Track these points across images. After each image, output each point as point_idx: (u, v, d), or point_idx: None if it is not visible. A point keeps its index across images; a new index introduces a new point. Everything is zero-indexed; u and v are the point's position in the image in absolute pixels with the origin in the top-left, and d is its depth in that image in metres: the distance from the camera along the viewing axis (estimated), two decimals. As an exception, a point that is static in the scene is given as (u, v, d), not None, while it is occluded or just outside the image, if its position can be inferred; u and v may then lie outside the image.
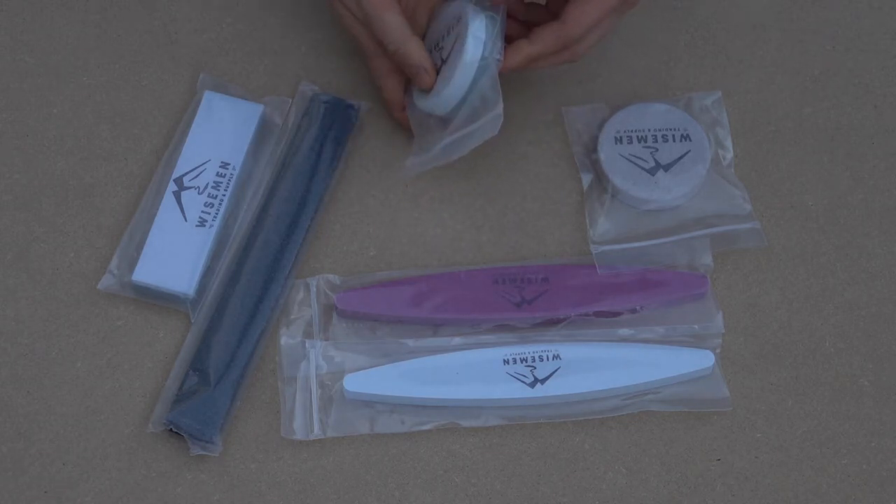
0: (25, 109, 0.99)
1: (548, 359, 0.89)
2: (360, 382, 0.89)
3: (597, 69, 1.00)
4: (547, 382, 0.89)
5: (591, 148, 0.97)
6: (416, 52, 0.89)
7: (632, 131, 0.96)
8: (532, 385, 0.88)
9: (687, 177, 0.94)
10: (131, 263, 0.92)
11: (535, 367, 0.89)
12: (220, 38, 1.01)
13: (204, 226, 0.93)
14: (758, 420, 0.90)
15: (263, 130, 0.97)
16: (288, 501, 0.87)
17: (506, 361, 0.89)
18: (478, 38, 0.88)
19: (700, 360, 0.90)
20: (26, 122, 0.98)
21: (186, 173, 0.94)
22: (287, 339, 0.91)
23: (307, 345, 0.90)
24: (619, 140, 0.96)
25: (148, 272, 0.91)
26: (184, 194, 0.93)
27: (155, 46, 1.01)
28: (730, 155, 0.97)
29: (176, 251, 0.92)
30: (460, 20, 0.89)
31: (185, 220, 0.93)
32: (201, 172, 0.94)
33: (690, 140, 0.96)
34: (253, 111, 0.96)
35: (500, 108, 0.87)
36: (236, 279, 0.91)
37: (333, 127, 0.96)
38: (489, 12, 0.89)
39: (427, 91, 0.91)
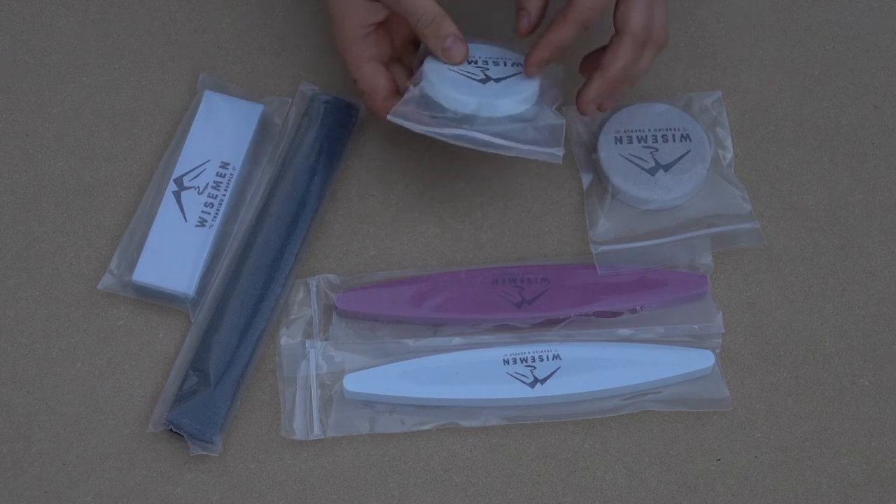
0: (25, 109, 0.99)
1: (548, 359, 0.89)
2: (360, 382, 0.89)
3: (597, 69, 1.00)
4: (547, 382, 0.89)
5: (591, 148, 0.97)
6: (450, 22, 0.88)
7: (632, 131, 0.96)
8: (532, 385, 0.88)
9: (687, 177, 0.94)
10: (131, 263, 0.92)
11: (535, 367, 0.89)
12: (220, 38, 1.01)
13: (204, 226, 0.93)
14: (758, 420, 0.90)
15: (263, 130, 0.97)
16: (288, 501, 0.87)
17: (506, 361, 0.89)
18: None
19: (700, 360, 0.90)
20: (26, 122, 0.98)
21: (186, 173, 0.94)
22: (287, 339, 0.91)
23: (307, 345, 0.90)
24: (619, 140, 0.96)
25: (148, 272, 0.91)
26: (184, 194, 0.93)
27: (155, 46, 1.01)
28: (730, 155, 0.97)
29: (176, 251, 0.92)
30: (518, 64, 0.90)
31: (185, 220, 0.93)
32: (201, 172, 0.94)
33: (690, 140, 0.96)
34: (253, 111, 0.96)
35: (559, 151, 0.87)
36: (236, 279, 0.91)
37: (333, 127, 0.96)
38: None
39: (458, 63, 0.89)
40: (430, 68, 0.89)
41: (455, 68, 0.89)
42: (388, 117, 0.87)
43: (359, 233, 0.95)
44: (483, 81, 0.89)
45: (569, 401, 0.89)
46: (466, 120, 0.88)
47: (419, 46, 0.93)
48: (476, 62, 0.90)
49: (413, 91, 0.88)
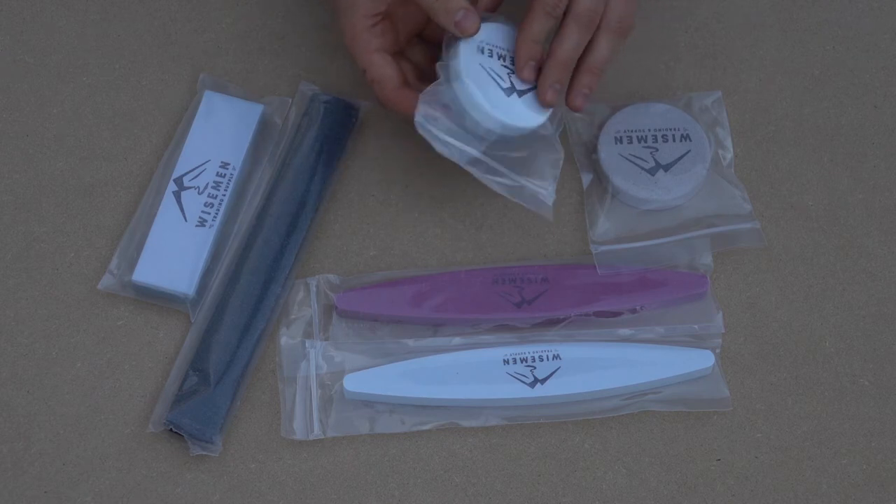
0: (25, 109, 0.99)
1: (548, 359, 0.89)
2: (360, 382, 0.89)
3: (597, 69, 1.00)
4: (547, 382, 0.89)
5: (591, 148, 0.97)
6: None
7: (632, 131, 0.96)
8: (532, 385, 0.88)
9: (687, 177, 0.94)
10: (131, 263, 0.92)
11: (535, 367, 0.89)
12: (220, 38, 1.01)
13: (204, 226, 0.93)
14: (758, 420, 0.89)
15: (263, 130, 0.97)
16: (288, 501, 0.87)
17: (506, 361, 0.89)
18: None
19: (700, 360, 0.90)
20: (26, 122, 0.98)
21: (186, 173, 0.94)
22: (287, 339, 0.91)
23: (307, 345, 0.90)
24: (619, 140, 0.96)
25: (148, 272, 0.91)
26: (184, 194, 0.93)
27: (155, 46, 1.01)
28: (730, 155, 0.97)
29: (176, 251, 0.92)
30: None
31: (185, 220, 0.93)
32: (201, 172, 0.94)
33: (690, 140, 0.96)
34: (253, 111, 0.96)
35: (550, 190, 0.88)
36: (236, 279, 0.91)
37: (333, 127, 0.96)
38: None
39: (471, 35, 0.87)
40: (465, 66, 0.87)
41: (486, 67, 0.87)
42: (418, 123, 0.86)
43: (359, 233, 0.95)
44: (508, 92, 0.88)
45: (569, 401, 0.89)
46: (484, 137, 0.87)
47: (423, 42, 0.93)
48: (504, 58, 0.89)
49: (441, 87, 0.87)
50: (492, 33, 0.89)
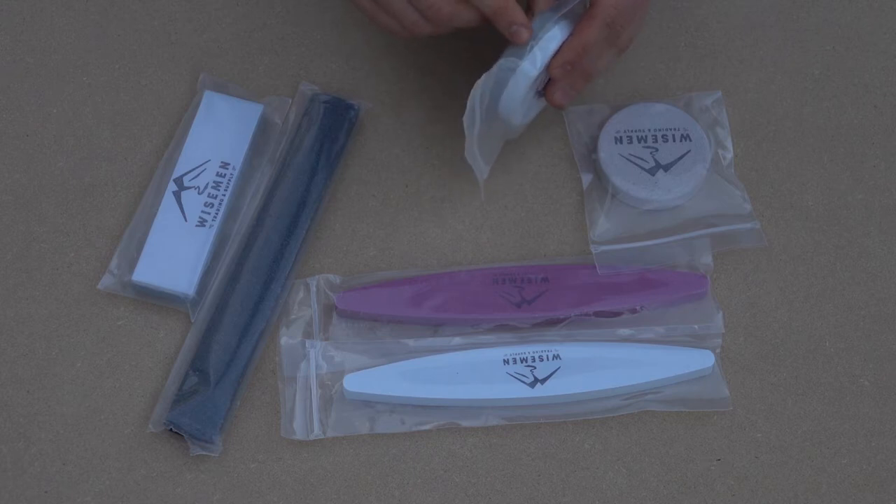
0: (25, 109, 0.99)
1: (548, 359, 0.89)
2: (360, 382, 0.89)
3: (597, 69, 1.00)
4: (547, 382, 0.89)
5: (591, 148, 0.97)
6: (516, 7, 0.87)
7: (632, 131, 0.96)
8: (532, 385, 0.89)
9: (687, 177, 0.95)
10: (131, 263, 0.92)
11: (535, 367, 0.89)
12: (220, 38, 1.01)
13: (204, 226, 0.93)
14: (758, 420, 0.90)
15: (263, 130, 0.97)
16: (288, 501, 0.87)
17: (506, 361, 0.89)
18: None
19: (700, 360, 0.90)
20: (26, 122, 0.98)
21: (186, 173, 0.94)
22: (287, 339, 0.91)
23: (307, 345, 0.90)
24: (619, 140, 0.96)
25: (148, 272, 0.91)
26: (184, 194, 0.93)
27: (155, 46, 1.01)
28: (730, 155, 0.97)
29: (176, 251, 0.92)
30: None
31: (185, 220, 0.93)
32: (201, 172, 0.94)
33: (690, 140, 0.96)
34: (253, 111, 0.96)
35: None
36: (236, 279, 0.91)
37: (333, 127, 0.96)
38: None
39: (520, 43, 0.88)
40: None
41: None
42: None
43: (359, 233, 0.95)
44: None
45: (569, 401, 0.89)
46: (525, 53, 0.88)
47: None
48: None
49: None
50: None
